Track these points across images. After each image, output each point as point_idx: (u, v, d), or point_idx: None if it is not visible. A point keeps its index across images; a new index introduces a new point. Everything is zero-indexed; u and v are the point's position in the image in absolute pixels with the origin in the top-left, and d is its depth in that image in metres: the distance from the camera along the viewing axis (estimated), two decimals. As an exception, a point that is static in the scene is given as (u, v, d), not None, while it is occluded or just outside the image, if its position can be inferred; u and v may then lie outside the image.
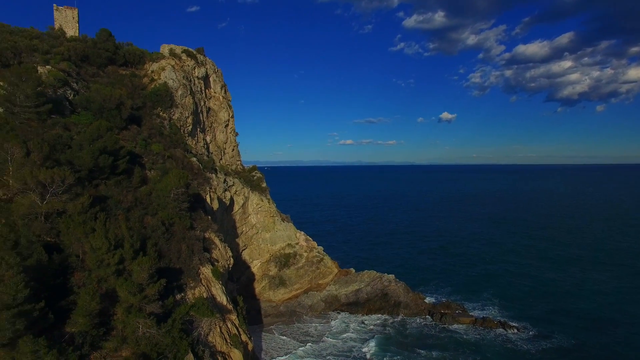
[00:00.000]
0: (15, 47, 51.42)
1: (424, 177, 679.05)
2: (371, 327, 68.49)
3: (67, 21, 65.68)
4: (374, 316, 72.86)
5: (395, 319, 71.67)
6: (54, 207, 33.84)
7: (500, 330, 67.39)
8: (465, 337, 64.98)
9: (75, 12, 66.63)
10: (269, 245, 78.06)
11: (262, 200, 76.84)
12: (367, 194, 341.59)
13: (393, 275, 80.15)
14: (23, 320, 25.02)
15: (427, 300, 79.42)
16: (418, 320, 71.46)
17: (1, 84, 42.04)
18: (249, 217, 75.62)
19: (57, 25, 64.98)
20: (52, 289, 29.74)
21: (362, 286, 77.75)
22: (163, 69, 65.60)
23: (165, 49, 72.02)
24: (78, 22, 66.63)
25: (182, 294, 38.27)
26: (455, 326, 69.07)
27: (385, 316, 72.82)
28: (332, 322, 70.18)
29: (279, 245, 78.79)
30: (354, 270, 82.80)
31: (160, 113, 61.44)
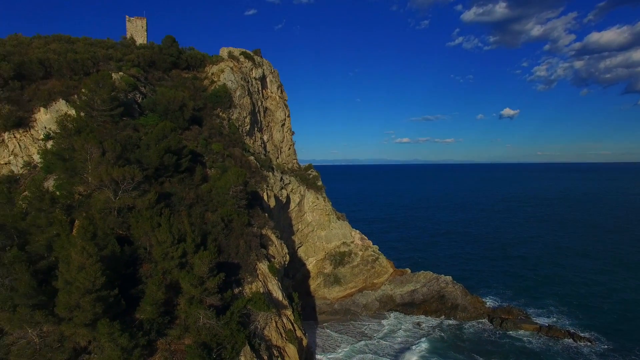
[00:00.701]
0: (95, 57, 56.00)
1: (484, 176, 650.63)
2: (426, 328, 66.96)
3: (137, 30, 70.41)
4: (429, 318, 71.16)
5: (452, 322, 69.49)
6: (125, 203, 36.52)
7: (569, 341, 62.87)
8: (528, 345, 61.51)
9: (144, 21, 71.22)
10: (324, 243, 78.77)
11: (318, 199, 77.67)
12: (423, 192, 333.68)
13: (450, 277, 77.75)
14: (101, 304, 27.32)
15: (487, 304, 76.18)
16: (476, 325, 68.77)
17: (83, 90, 45.98)
18: (305, 215, 76.76)
19: (128, 35, 69.89)
20: (124, 278, 32.14)
21: (418, 287, 76.17)
22: (222, 71, 68.33)
23: (224, 51, 74.97)
24: (146, 30, 71.19)
25: (240, 288, 39.65)
26: (517, 333, 65.66)
27: (441, 318, 70.85)
28: (387, 322, 69.47)
29: (334, 243, 79.26)
30: (409, 271, 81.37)
31: (220, 113, 64.05)
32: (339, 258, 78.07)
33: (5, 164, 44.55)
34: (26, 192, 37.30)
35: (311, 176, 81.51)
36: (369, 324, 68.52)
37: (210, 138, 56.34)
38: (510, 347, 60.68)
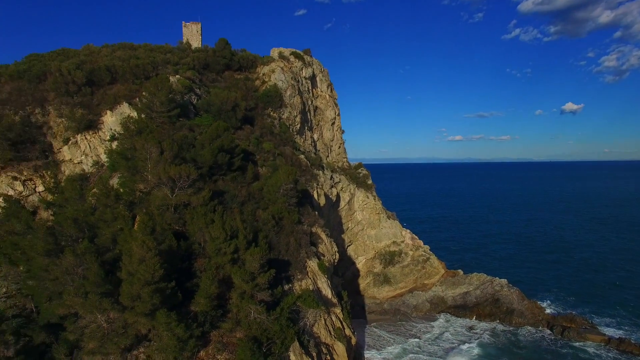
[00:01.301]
0: (154, 62, 59.22)
1: (543, 175, 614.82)
2: (479, 332, 64.48)
3: (192, 35, 73.52)
4: (482, 322, 68.47)
5: (507, 328, 66.35)
6: (181, 200, 38.31)
7: (644, 356, 57.27)
8: (595, 359, 57.13)
9: (199, 26, 74.20)
10: (374, 242, 78.17)
11: (368, 197, 77.20)
12: (476, 192, 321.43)
13: (505, 280, 74.34)
14: (159, 295, 28.89)
15: (547, 310, 72.01)
16: (534, 332, 65.18)
17: (144, 93, 48.80)
18: (355, 214, 76.58)
19: (185, 39, 73.15)
20: (180, 272, 33.76)
21: (471, 289, 73.57)
22: (273, 71, 69.67)
23: (274, 52, 76.37)
24: (201, 34, 74.13)
25: (290, 285, 40.34)
26: (581, 344, 61.41)
27: (495, 323, 67.91)
28: (437, 324, 67.74)
29: (384, 242, 78.44)
30: (462, 272, 78.78)
31: (271, 113, 65.37)
32: (389, 257, 77.14)
33: (78, 163, 48.26)
34: (95, 189, 40.21)
35: (361, 175, 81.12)
36: (419, 325, 67.18)
37: (261, 137, 57.66)
38: (574, 359, 56.95)
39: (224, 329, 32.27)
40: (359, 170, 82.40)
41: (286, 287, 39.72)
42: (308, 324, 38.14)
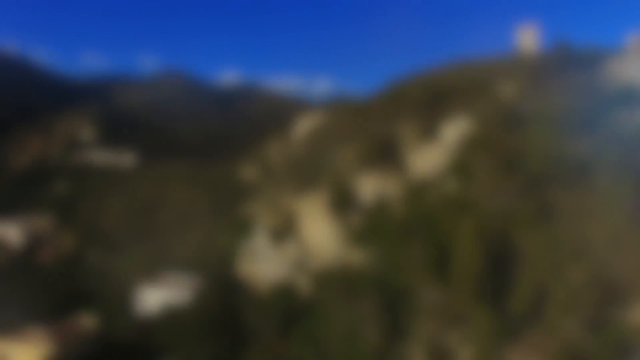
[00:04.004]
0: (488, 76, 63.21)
1: None
2: None
3: (526, 39, 71.66)
4: None
5: None
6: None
7: None
8: None
9: (535, 29, 71.69)
10: None
11: None
12: None
13: None
14: (479, 286, 33.63)
15: None
16: None
17: (478, 106, 53.28)
18: None
19: (519, 45, 73.24)
20: (501, 272, 36.81)
21: None
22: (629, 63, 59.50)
23: (633, 39, 64.71)
24: (537, 37, 71.48)
25: (625, 311, 35.77)
26: None
27: None
28: None
29: None
30: None
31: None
32: None
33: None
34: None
35: None
36: None
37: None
38: None
39: (536, 334, 33.22)
40: None
41: (620, 312, 35.40)
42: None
